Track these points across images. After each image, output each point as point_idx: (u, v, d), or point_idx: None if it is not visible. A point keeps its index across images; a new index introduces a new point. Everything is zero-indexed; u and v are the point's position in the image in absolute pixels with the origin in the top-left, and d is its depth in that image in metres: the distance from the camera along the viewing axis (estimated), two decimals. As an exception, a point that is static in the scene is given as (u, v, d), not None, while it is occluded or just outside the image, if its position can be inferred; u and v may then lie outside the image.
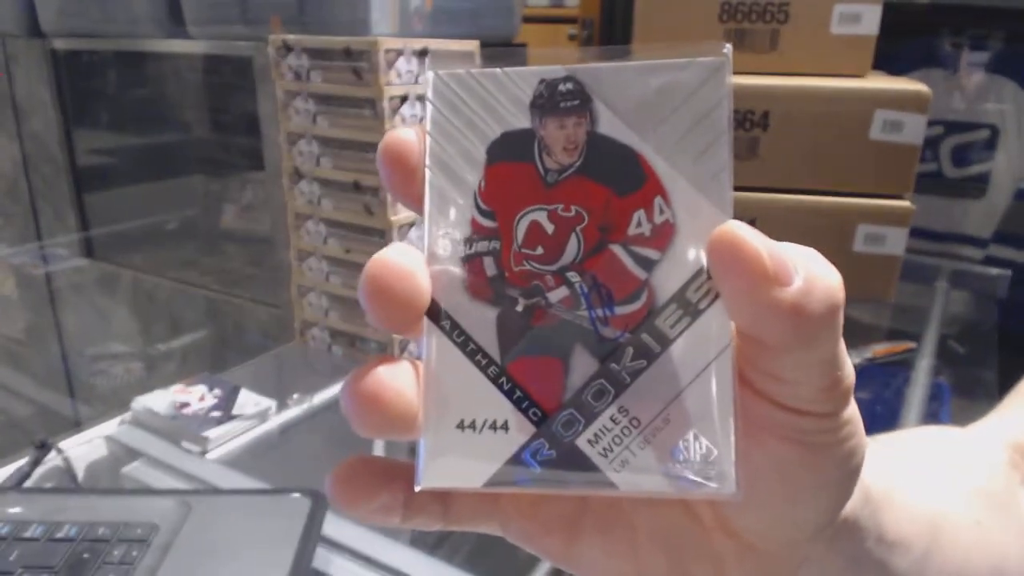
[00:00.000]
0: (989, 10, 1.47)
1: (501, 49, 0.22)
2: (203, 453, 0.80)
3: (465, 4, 1.40)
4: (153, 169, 1.78)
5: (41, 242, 1.79)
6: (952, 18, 1.52)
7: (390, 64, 0.93)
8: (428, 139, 0.22)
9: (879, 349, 0.98)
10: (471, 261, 0.22)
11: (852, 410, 0.22)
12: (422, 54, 0.97)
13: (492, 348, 0.21)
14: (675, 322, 0.20)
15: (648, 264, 0.21)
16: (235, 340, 1.52)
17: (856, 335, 1.03)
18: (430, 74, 0.22)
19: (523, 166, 0.21)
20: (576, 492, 0.21)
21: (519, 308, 0.21)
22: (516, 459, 0.21)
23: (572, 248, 0.21)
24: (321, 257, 1.05)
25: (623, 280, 0.21)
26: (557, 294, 0.21)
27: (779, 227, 1.07)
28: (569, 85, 0.21)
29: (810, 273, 0.19)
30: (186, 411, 0.85)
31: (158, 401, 0.86)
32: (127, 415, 0.86)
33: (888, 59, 1.13)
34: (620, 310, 0.21)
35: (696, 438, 0.20)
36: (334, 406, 0.93)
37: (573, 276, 0.21)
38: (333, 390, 0.96)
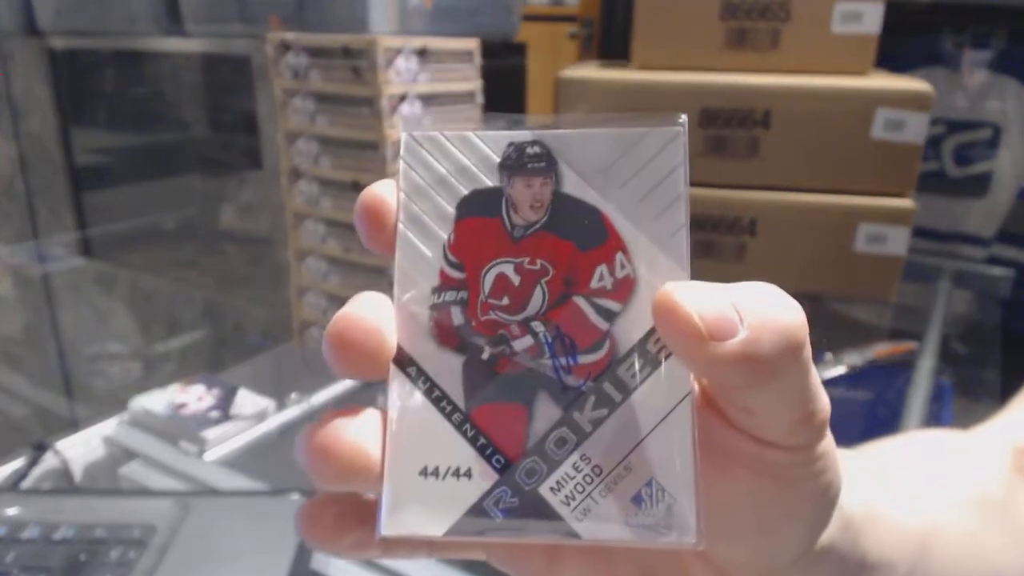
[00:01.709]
0: (991, 8, 1.47)
1: (499, 114, 0.23)
2: (201, 453, 0.80)
3: (464, 2, 1.40)
4: (151, 168, 1.77)
5: (38, 241, 1.78)
6: (954, 16, 1.52)
7: (389, 63, 0.93)
8: (401, 195, 0.22)
9: (881, 349, 0.97)
10: (439, 310, 0.22)
11: (827, 444, 0.22)
12: (421, 53, 0.97)
13: (457, 395, 0.21)
14: (636, 372, 0.21)
15: (610, 315, 0.21)
16: (233, 340, 1.52)
17: (858, 335, 1.03)
18: (404, 135, 0.23)
19: (491, 221, 0.22)
20: (539, 541, 0.21)
21: (484, 356, 0.22)
22: (478, 506, 0.21)
23: (537, 299, 0.22)
24: (320, 256, 1.05)
25: (586, 330, 0.22)
26: (522, 343, 0.22)
27: (780, 227, 1.07)
28: (536, 148, 0.22)
29: (759, 319, 0.19)
30: (184, 411, 0.85)
31: (156, 401, 0.86)
32: (125, 415, 0.86)
33: (890, 58, 1.12)
34: (583, 359, 0.21)
35: (657, 486, 0.21)
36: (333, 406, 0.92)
37: (538, 326, 0.22)
38: (332, 390, 0.96)
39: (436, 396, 0.21)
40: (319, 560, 0.62)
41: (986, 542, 0.32)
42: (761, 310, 0.19)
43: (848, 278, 1.07)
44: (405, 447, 0.21)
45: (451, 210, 0.22)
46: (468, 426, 0.21)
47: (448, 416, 0.21)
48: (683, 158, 0.22)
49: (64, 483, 0.77)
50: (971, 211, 1.58)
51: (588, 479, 0.21)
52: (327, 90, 0.97)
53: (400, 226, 0.22)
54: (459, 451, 0.21)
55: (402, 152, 0.23)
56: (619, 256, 0.22)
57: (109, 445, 0.82)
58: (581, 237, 0.22)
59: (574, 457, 0.21)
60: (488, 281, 0.22)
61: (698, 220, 1.06)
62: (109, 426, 0.85)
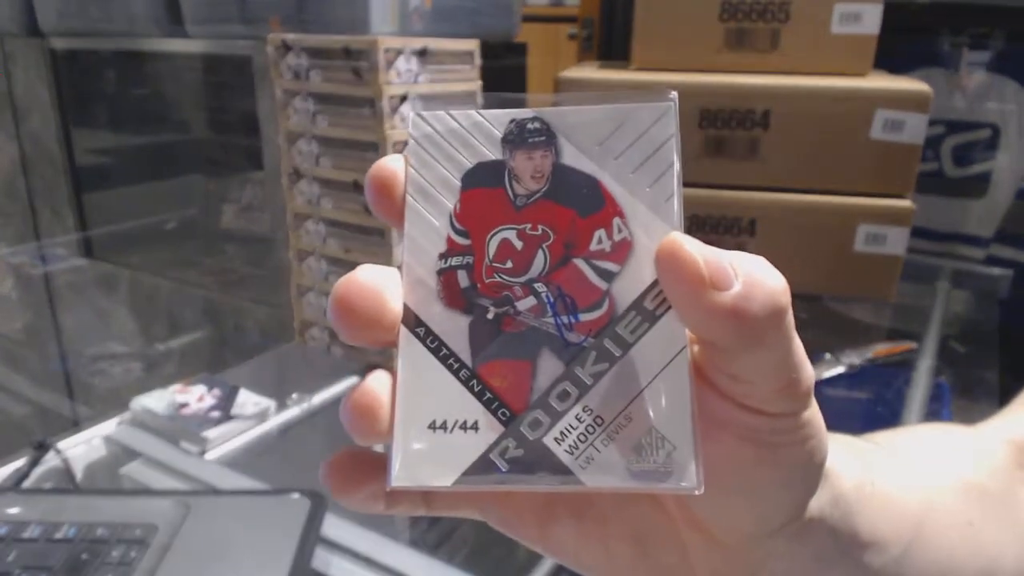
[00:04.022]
0: (990, 9, 1.47)
1: (496, 94, 0.24)
2: (202, 453, 0.80)
3: (465, 3, 1.40)
4: (152, 169, 1.78)
5: (40, 242, 1.79)
6: (953, 17, 1.52)
7: (389, 63, 0.93)
8: (409, 169, 0.24)
9: (880, 349, 0.98)
10: (446, 274, 0.23)
11: (812, 412, 0.23)
12: (421, 53, 0.97)
13: (464, 353, 0.23)
14: (634, 328, 0.22)
15: (609, 276, 0.23)
16: (234, 340, 1.52)
17: (857, 335, 1.03)
18: (411, 113, 0.24)
19: (495, 191, 0.24)
20: (544, 489, 0.22)
21: (490, 316, 0.23)
22: (485, 457, 0.22)
23: (539, 262, 0.23)
24: (320, 257, 1.05)
25: (586, 290, 0.23)
26: (525, 303, 0.23)
27: (780, 227, 1.07)
28: (536, 124, 0.24)
29: (750, 278, 0.20)
30: (185, 411, 0.85)
31: (157, 401, 0.86)
32: (126, 415, 0.86)
33: (889, 58, 1.12)
34: (584, 317, 0.23)
35: (657, 434, 0.21)
36: (333, 406, 0.93)
37: (540, 287, 0.23)
38: (332, 390, 0.96)
39: (444, 354, 0.23)
40: (320, 558, 0.63)
41: (983, 532, 0.33)
42: (752, 271, 0.20)
43: (847, 278, 1.07)
44: (414, 402, 0.22)
45: (457, 181, 0.24)
46: (475, 381, 0.22)
47: (455, 372, 0.22)
48: (674, 131, 0.23)
49: (65, 483, 0.78)
50: (970, 211, 1.58)
51: (590, 429, 0.22)
52: (328, 91, 0.98)
53: (409, 197, 0.24)
54: (466, 405, 0.22)
55: (410, 128, 0.24)
56: (616, 221, 0.23)
57: (110, 445, 0.83)
58: (580, 204, 0.23)
59: (576, 409, 0.22)
60: (492, 246, 0.23)
61: (698, 220, 1.07)
62: (110, 426, 0.85)
